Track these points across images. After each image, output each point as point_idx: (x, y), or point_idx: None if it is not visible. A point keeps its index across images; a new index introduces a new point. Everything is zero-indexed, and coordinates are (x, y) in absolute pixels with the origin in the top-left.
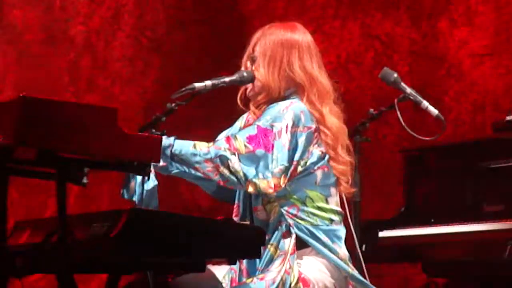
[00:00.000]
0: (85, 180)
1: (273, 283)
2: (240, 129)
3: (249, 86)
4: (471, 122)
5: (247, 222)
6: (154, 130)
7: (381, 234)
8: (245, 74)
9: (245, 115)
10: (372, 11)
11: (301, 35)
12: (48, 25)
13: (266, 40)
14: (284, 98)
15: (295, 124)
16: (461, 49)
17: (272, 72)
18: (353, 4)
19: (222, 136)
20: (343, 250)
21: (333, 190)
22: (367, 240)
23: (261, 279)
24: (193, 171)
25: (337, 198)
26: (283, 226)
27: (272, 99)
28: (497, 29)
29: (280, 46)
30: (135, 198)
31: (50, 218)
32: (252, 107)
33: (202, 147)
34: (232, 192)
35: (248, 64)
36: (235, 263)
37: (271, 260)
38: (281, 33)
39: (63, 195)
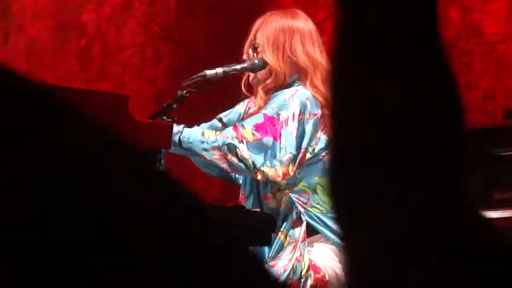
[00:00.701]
0: None
1: (284, 271)
2: (241, 114)
3: (251, 73)
4: (482, 109)
5: (258, 209)
6: (165, 118)
7: None
8: (256, 61)
9: (246, 101)
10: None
11: (303, 22)
12: (58, 12)
13: (267, 27)
14: (288, 85)
15: (302, 111)
16: (472, 37)
17: (277, 57)
18: None
19: (221, 116)
20: None
21: None
22: None
23: (272, 266)
24: (201, 158)
25: None
26: (294, 213)
27: (278, 84)
28: (508, 17)
29: (282, 32)
30: None
31: None
32: (260, 92)
33: (210, 135)
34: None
35: (250, 51)
36: None
37: (281, 248)
38: (282, 20)
39: None
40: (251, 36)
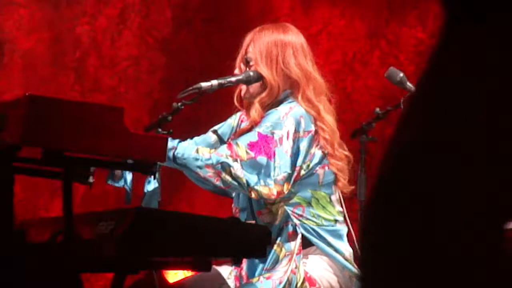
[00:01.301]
0: (91, 180)
1: (280, 283)
2: (234, 128)
3: (243, 87)
4: None
5: (253, 222)
6: (160, 130)
7: None
8: (251, 73)
9: (238, 114)
10: (378, 10)
11: (294, 35)
12: (54, 24)
13: (259, 41)
14: (281, 101)
15: (296, 130)
16: None
17: (271, 71)
18: (359, 3)
19: (210, 133)
20: (347, 249)
21: (334, 187)
22: None
23: (268, 278)
24: (194, 175)
25: (339, 194)
26: (289, 226)
27: (273, 97)
28: None
29: (274, 46)
30: (121, 185)
31: (56, 217)
32: (256, 105)
33: (204, 152)
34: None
35: (242, 66)
36: (240, 263)
37: (277, 260)
38: (274, 34)
39: (69, 194)
40: (242, 51)
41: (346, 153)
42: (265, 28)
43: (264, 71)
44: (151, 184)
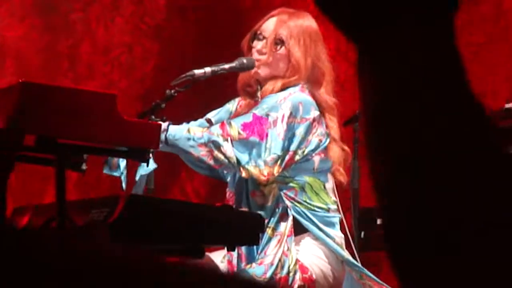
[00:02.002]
0: (84, 167)
1: (272, 265)
2: (232, 113)
3: (265, 66)
4: None
5: (246, 209)
6: (153, 117)
7: (380, 221)
8: (245, 61)
9: (237, 99)
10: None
11: (317, 28)
12: (47, 10)
13: (294, 25)
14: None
15: (293, 114)
16: (459, 38)
17: (305, 59)
18: None
19: (211, 115)
20: (338, 235)
21: (329, 175)
22: (365, 227)
23: (260, 263)
24: (187, 155)
25: (333, 184)
26: (280, 207)
27: (297, 82)
28: (496, 18)
29: (308, 36)
30: (118, 174)
31: (49, 204)
32: (278, 84)
33: (196, 132)
34: (223, 172)
35: (262, 44)
36: (234, 250)
37: (268, 241)
38: (305, 21)
39: (63, 182)
40: (271, 32)
41: (346, 148)
42: (295, 13)
43: (299, 56)
44: (144, 170)
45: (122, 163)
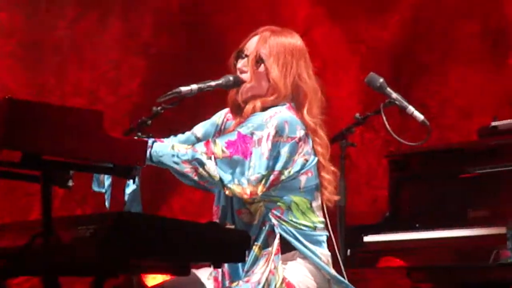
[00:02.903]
0: (70, 183)
1: (259, 283)
2: (218, 125)
3: (248, 84)
4: (457, 127)
5: (232, 226)
6: (140, 134)
7: (366, 238)
8: (231, 78)
9: (223, 112)
10: (358, 16)
11: (302, 44)
12: (34, 28)
13: (274, 44)
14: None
15: (278, 133)
16: (446, 56)
17: (285, 78)
18: (340, 9)
19: (197, 128)
20: (324, 253)
21: (316, 193)
22: (352, 244)
23: (247, 281)
24: (172, 170)
25: (320, 202)
26: (267, 226)
27: (277, 102)
28: (483, 37)
29: (290, 54)
30: (103, 190)
31: (35, 220)
32: (258, 104)
33: (180, 149)
34: None
35: (244, 62)
36: (220, 267)
37: (256, 260)
38: (287, 39)
39: (48, 198)
40: (253, 50)
41: (333, 169)
42: (274, 31)
43: (277, 75)
44: (130, 187)
45: (107, 180)
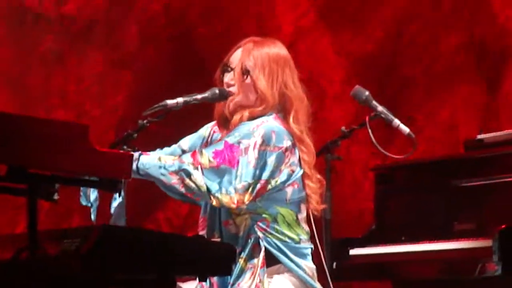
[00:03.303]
0: (56, 197)
1: None
2: (205, 138)
3: (236, 97)
4: (443, 140)
5: (218, 239)
6: (125, 147)
7: (352, 252)
8: (217, 91)
9: (210, 124)
10: (344, 28)
11: (286, 53)
12: (19, 41)
13: (258, 54)
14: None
15: (265, 142)
16: (431, 69)
17: (271, 87)
18: (326, 22)
19: (184, 141)
20: (309, 266)
21: (302, 206)
22: (337, 257)
23: None
24: (159, 183)
25: (305, 214)
26: (252, 238)
27: (265, 112)
28: (467, 49)
29: (275, 63)
30: (88, 204)
31: (20, 234)
32: (245, 114)
33: (167, 160)
34: None
35: (230, 76)
36: (205, 280)
37: (241, 273)
38: (271, 49)
39: (34, 211)
40: (239, 62)
41: (319, 177)
42: (258, 42)
43: (264, 86)
44: (116, 201)
45: (93, 194)
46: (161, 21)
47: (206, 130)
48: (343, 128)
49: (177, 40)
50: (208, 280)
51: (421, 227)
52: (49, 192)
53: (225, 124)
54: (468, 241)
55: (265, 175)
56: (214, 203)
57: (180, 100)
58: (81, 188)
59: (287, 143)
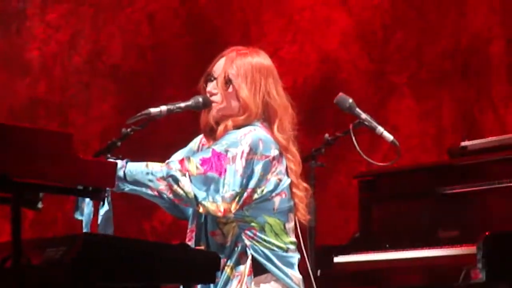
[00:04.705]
0: (40, 205)
1: None
2: (194, 152)
3: (219, 106)
4: (427, 147)
5: (203, 247)
6: (109, 155)
7: (336, 259)
8: (200, 99)
9: (199, 137)
10: (329, 36)
11: (270, 62)
12: (4, 49)
13: (241, 63)
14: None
15: (252, 151)
16: (416, 76)
17: (254, 96)
18: (310, 29)
19: (175, 156)
20: (296, 275)
21: (290, 215)
22: (322, 265)
23: None
24: (147, 191)
25: (293, 224)
26: (240, 246)
27: (248, 121)
28: (453, 57)
29: (258, 72)
30: (83, 218)
31: (4, 242)
32: (229, 124)
33: (154, 167)
34: (185, 209)
35: (213, 85)
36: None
37: (228, 281)
38: (254, 58)
39: (18, 220)
40: (221, 71)
41: (305, 185)
42: (240, 51)
43: (246, 94)
44: (103, 209)
45: (87, 207)
46: (145, 30)
47: (196, 143)
48: (326, 135)
49: (161, 49)
50: None
51: (405, 234)
52: (33, 200)
53: (211, 134)
54: (452, 248)
55: (252, 183)
56: (201, 210)
57: (163, 108)
58: (77, 203)
59: (274, 152)
